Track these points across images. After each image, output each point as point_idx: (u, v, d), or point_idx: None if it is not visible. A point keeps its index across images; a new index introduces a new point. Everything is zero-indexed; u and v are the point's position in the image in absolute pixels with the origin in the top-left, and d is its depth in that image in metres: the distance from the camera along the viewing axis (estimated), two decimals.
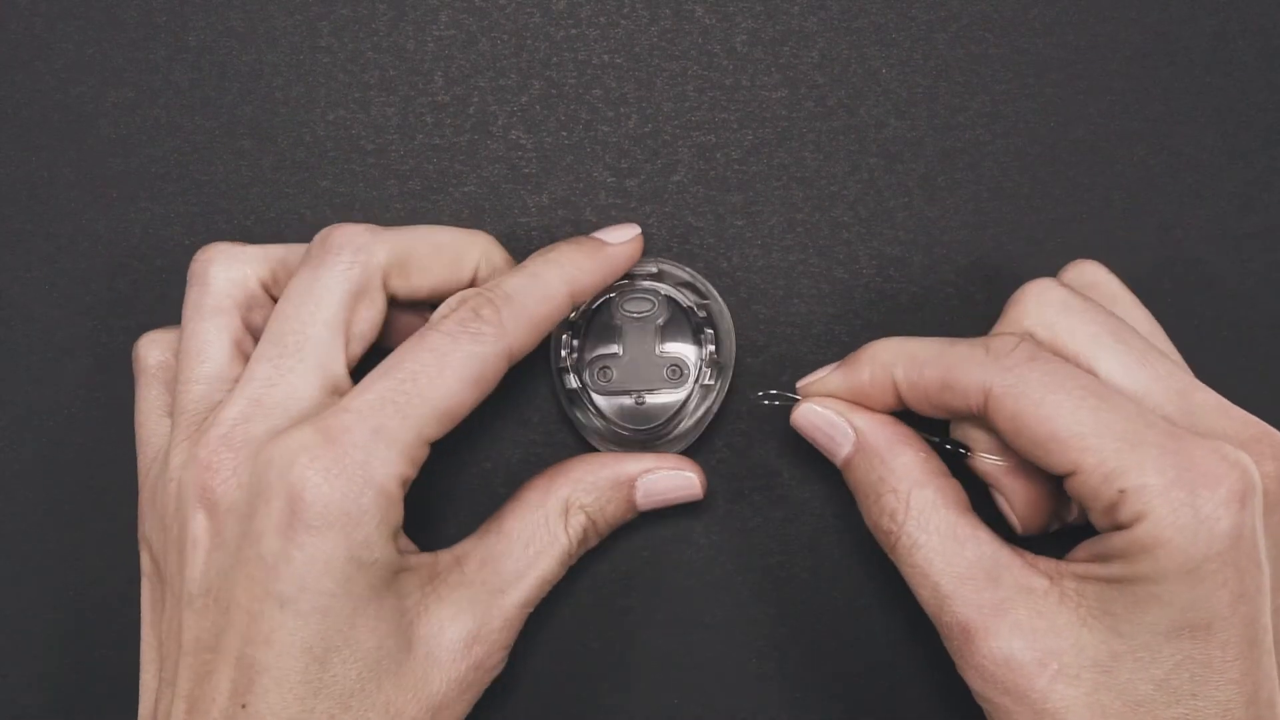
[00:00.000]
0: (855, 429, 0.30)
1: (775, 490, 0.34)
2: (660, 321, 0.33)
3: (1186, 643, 0.25)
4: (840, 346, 0.34)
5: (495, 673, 0.29)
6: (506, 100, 0.35)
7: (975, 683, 0.27)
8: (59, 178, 0.35)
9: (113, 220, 0.35)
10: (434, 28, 0.35)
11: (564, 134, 0.35)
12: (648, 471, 0.31)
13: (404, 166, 0.35)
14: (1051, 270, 0.34)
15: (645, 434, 0.33)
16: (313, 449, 0.26)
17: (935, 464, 0.29)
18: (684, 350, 0.33)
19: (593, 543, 0.32)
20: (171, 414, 0.30)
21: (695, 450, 0.34)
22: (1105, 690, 0.25)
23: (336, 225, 0.29)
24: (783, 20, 0.35)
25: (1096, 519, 0.26)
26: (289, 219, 0.35)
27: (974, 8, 0.35)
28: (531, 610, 0.30)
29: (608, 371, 0.33)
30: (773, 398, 0.32)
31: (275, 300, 0.30)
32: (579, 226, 0.35)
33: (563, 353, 0.33)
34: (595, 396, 0.33)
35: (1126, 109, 0.35)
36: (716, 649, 0.34)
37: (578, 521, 0.30)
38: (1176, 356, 0.31)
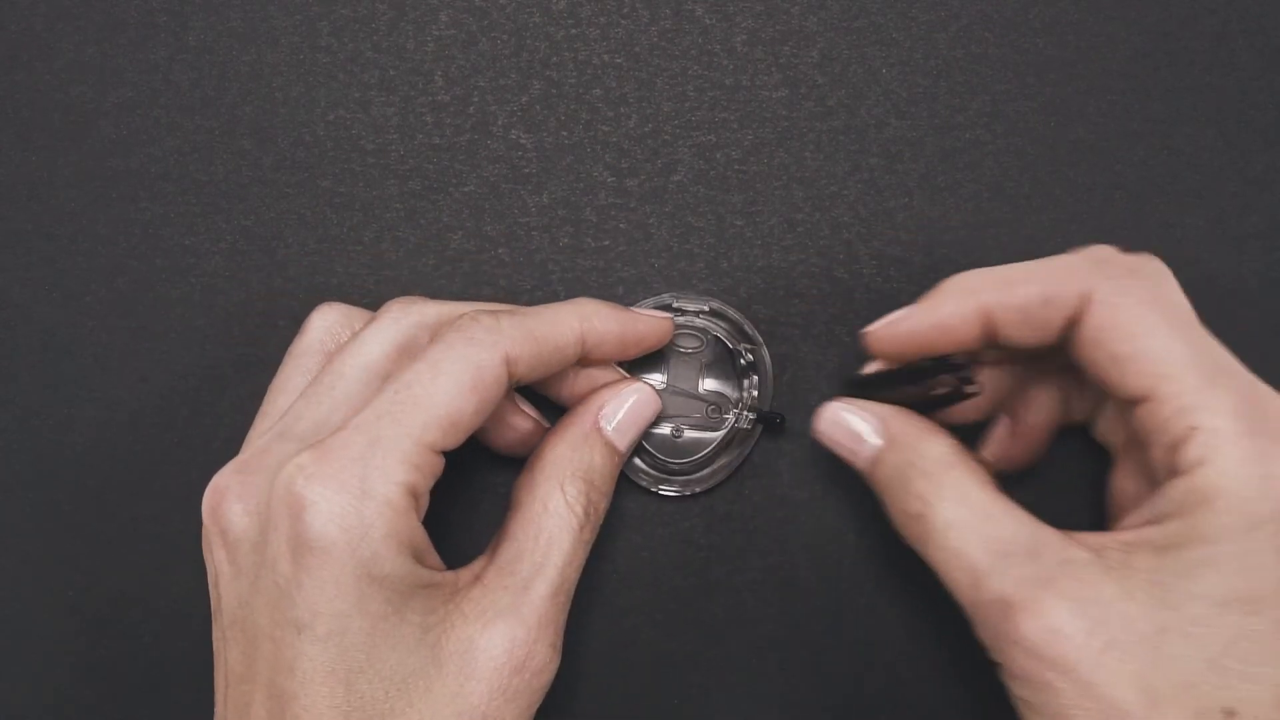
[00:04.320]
0: (884, 423, 0.29)
1: (775, 490, 0.34)
2: (706, 360, 0.33)
3: (1238, 615, 0.23)
4: (840, 347, 0.34)
5: (547, 674, 0.28)
6: (506, 100, 0.35)
7: (1018, 660, 0.25)
8: (59, 178, 0.35)
9: (113, 220, 0.35)
10: (434, 28, 0.35)
11: (564, 134, 0.35)
12: (601, 408, 0.31)
13: (404, 166, 0.35)
14: None
15: (679, 466, 0.33)
16: (308, 468, 0.26)
17: (963, 449, 0.28)
18: (725, 391, 0.34)
19: (600, 505, 0.31)
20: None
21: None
22: (1155, 668, 0.24)
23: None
24: (783, 20, 0.35)
25: (1158, 456, 0.25)
26: (289, 219, 0.35)
27: (974, 8, 0.35)
28: (567, 599, 0.29)
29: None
30: (762, 418, 0.33)
31: None
32: (579, 226, 0.35)
33: None
34: None
35: (1126, 109, 0.35)
36: (716, 649, 0.34)
37: (575, 491, 0.30)
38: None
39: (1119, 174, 0.35)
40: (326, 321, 0.31)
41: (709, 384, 0.34)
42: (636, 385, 0.32)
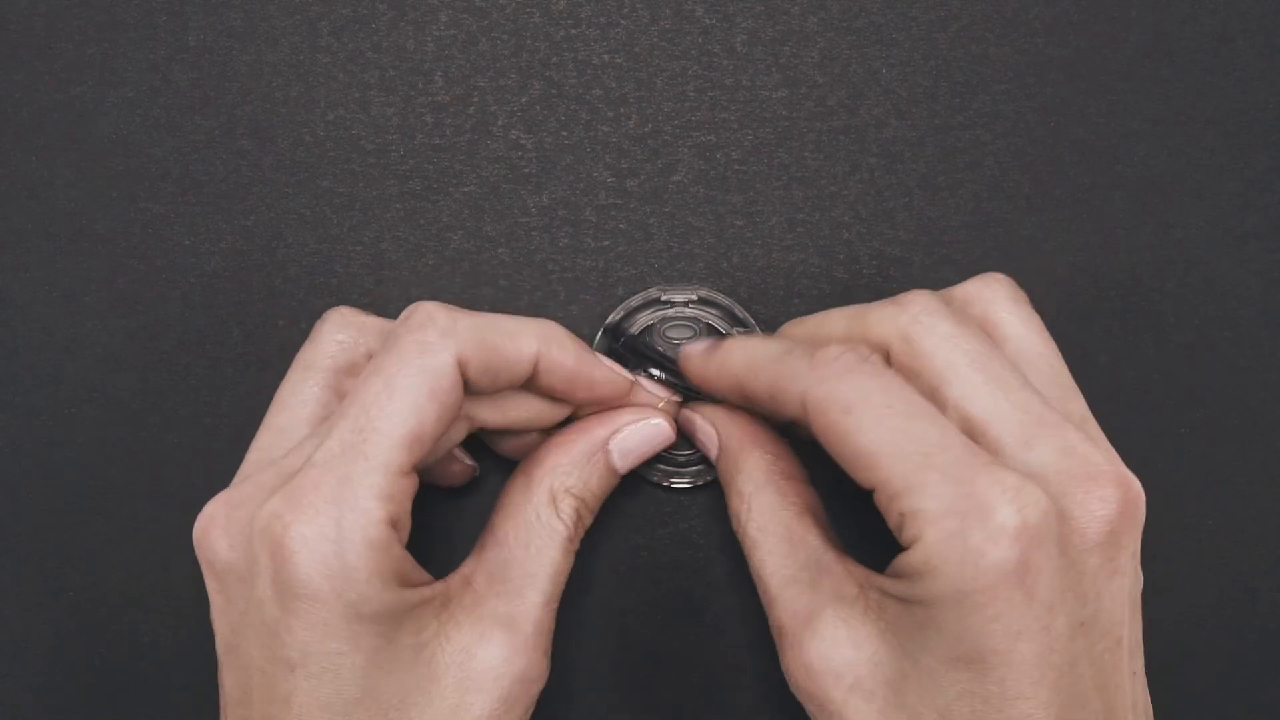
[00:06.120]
0: (716, 429, 0.31)
1: None
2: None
3: (964, 673, 0.24)
4: None
5: (541, 682, 0.28)
6: (506, 100, 0.35)
7: (791, 684, 0.27)
8: (59, 178, 0.35)
9: (113, 220, 0.35)
10: (434, 28, 0.35)
11: (564, 134, 0.35)
12: (616, 432, 0.31)
13: (404, 166, 0.35)
14: (1053, 274, 0.34)
15: (686, 458, 0.33)
16: (284, 516, 0.25)
17: (783, 465, 0.30)
18: None
19: (588, 520, 0.31)
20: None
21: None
22: (895, 711, 0.25)
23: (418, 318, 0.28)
24: (783, 20, 0.35)
25: (896, 537, 0.26)
26: (289, 219, 0.35)
27: (974, 8, 0.35)
28: (557, 606, 0.29)
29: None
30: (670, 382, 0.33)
31: None
32: (579, 226, 0.35)
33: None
34: None
35: (1126, 109, 0.35)
36: (716, 649, 0.34)
37: (567, 505, 0.30)
38: (1065, 383, 0.29)
39: (1119, 174, 0.35)
40: (340, 336, 0.30)
41: None
42: (657, 424, 0.31)
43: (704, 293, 0.34)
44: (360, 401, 0.26)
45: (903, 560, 0.25)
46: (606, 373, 0.30)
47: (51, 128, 0.35)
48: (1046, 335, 0.30)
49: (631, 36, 0.35)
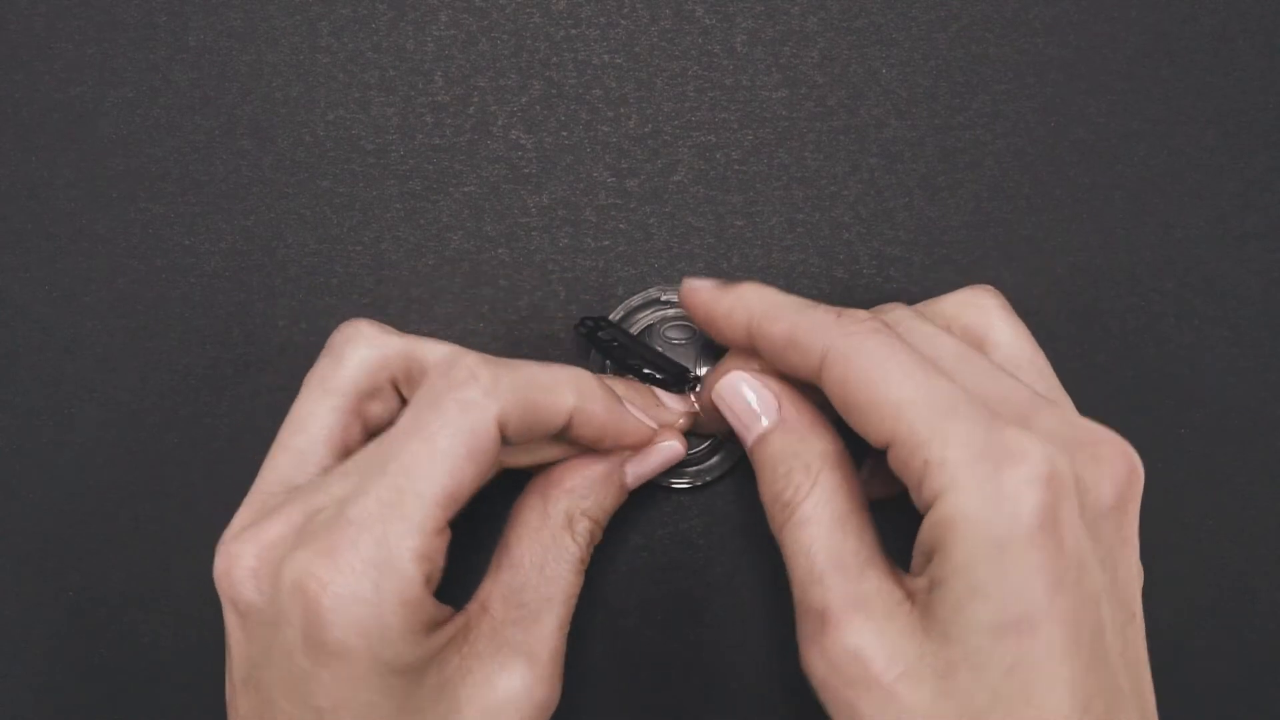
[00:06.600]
0: (779, 404, 0.30)
1: None
2: (698, 349, 0.33)
3: (1012, 642, 0.24)
4: None
5: (555, 705, 0.29)
6: (506, 100, 0.35)
7: (820, 669, 0.26)
8: (59, 178, 0.35)
9: (113, 220, 0.35)
10: (434, 28, 0.35)
11: (564, 134, 0.35)
12: (630, 457, 0.31)
13: (404, 166, 0.35)
14: (1053, 274, 0.34)
15: (688, 456, 0.33)
16: (320, 575, 0.25)
17: (846, 455, 0.29)
18: None
19: (599, 539, 0.31)
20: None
21: (704, 450, 0.34)
22: (945, 698, 0.25)
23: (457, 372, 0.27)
24: (783, 20, 0.35)
25: (915, 499, 0.26)
26: (289, 219, 0.35)
27: (974, 8, 0.35)
28: (569, 628, 0.29)
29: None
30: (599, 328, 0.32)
31: (400, 395, 0.30)
32: (579, 226, 0.35)
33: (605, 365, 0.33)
34: None
35: (1126, 109, 0.35)
36: (716, 649, 0.34)
37: (583, 528, 0.30)
38: (1054, 386, 0.30)
39: (1119, 174, 0.35)
40: (363, 355, 0.30)
41: (704, 371, 0.34)
42: (672, 443, 0.31)
43: None
44: (400, 460, 0.26)
45: (930, 523, 0.25)
46: (635, 424, 0.30)
47: (51, 128, 0.35)
48: (1035, 343, 0.30)
49: (631, 36, 0.35)
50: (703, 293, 0.30)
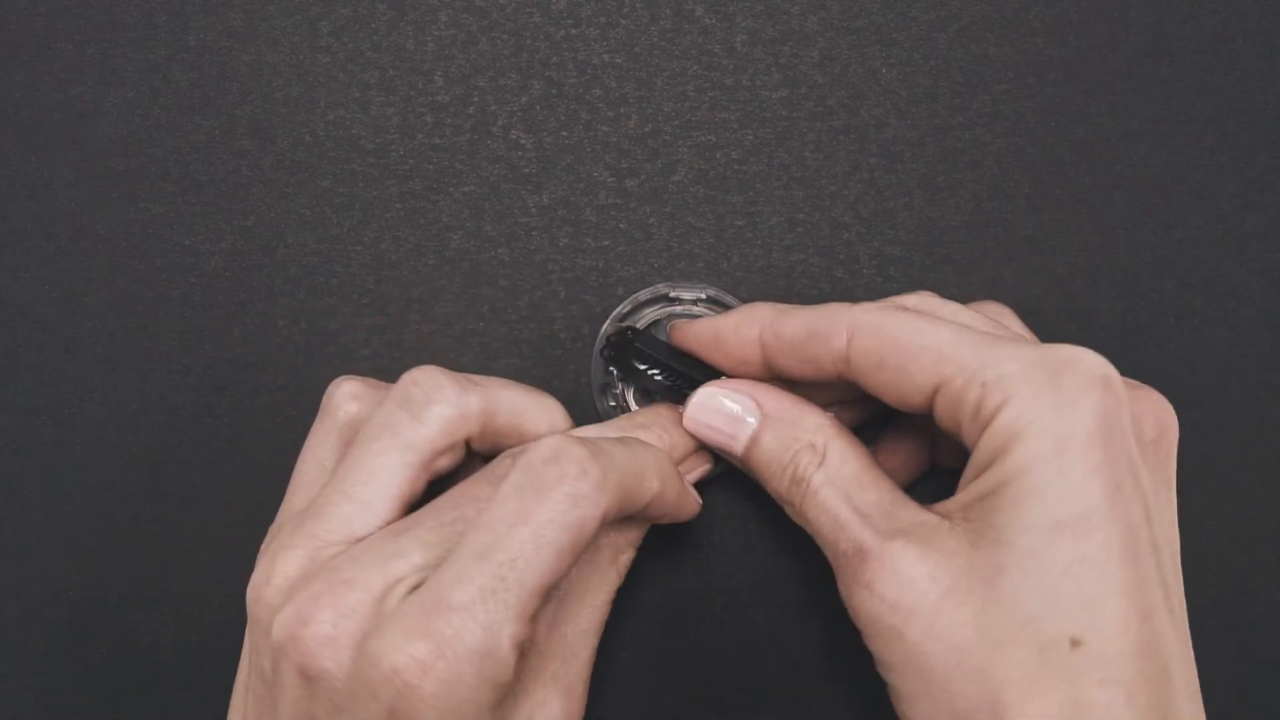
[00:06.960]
0: (757, 401, 0.30)
1: None
2: None
3: (1069, 540, 0.24)
4: None
5: None
6: (506, 100, 0.35)
7: (865, 603, 0.26)
8: (59, 178, 0.35)
9: (113, 220, 0.35)
10: (434, 28, 0.35)
11: (564, 134, 0.35)
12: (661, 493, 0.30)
13: (404, 166, 0.35)
14: (1053, 274, 0.34)
15: None
16: (423, 660, 0.24)
17: (841, 424, 0.30)
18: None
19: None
20: (298, 491, 0.30)
21: None
22: (994, 606, 0.24)
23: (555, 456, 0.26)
24: (783, 20, 0.35)
25: (968, 433, 0.26)
26: (289, 219, 0.35)
27: (974, 8, 0.35)
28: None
29: (650, 392, 0.34)
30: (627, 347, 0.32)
31: (468, 445, 0.30)
32: (579, 226, 0.35)
33: (610, 369, 0.33)
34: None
35: (1126, 109, 0.35)
36: (716, 649, 0.34)
37: (626, 559, 0.30)
38: None
39: (1119, 174, 0.35)
40: (450, 417, 0.29)
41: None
42: (706, 466, 0.32)
43: (713, 292, 0.34)
44: (506, 550, 0.25)
45: (989, 439, 0.25)
46: (691, 503, 0.31)
47: (51, 128, 0.35)
48: None
49: (631, 36, 0.35)
50: (702, 321, 0.31)
